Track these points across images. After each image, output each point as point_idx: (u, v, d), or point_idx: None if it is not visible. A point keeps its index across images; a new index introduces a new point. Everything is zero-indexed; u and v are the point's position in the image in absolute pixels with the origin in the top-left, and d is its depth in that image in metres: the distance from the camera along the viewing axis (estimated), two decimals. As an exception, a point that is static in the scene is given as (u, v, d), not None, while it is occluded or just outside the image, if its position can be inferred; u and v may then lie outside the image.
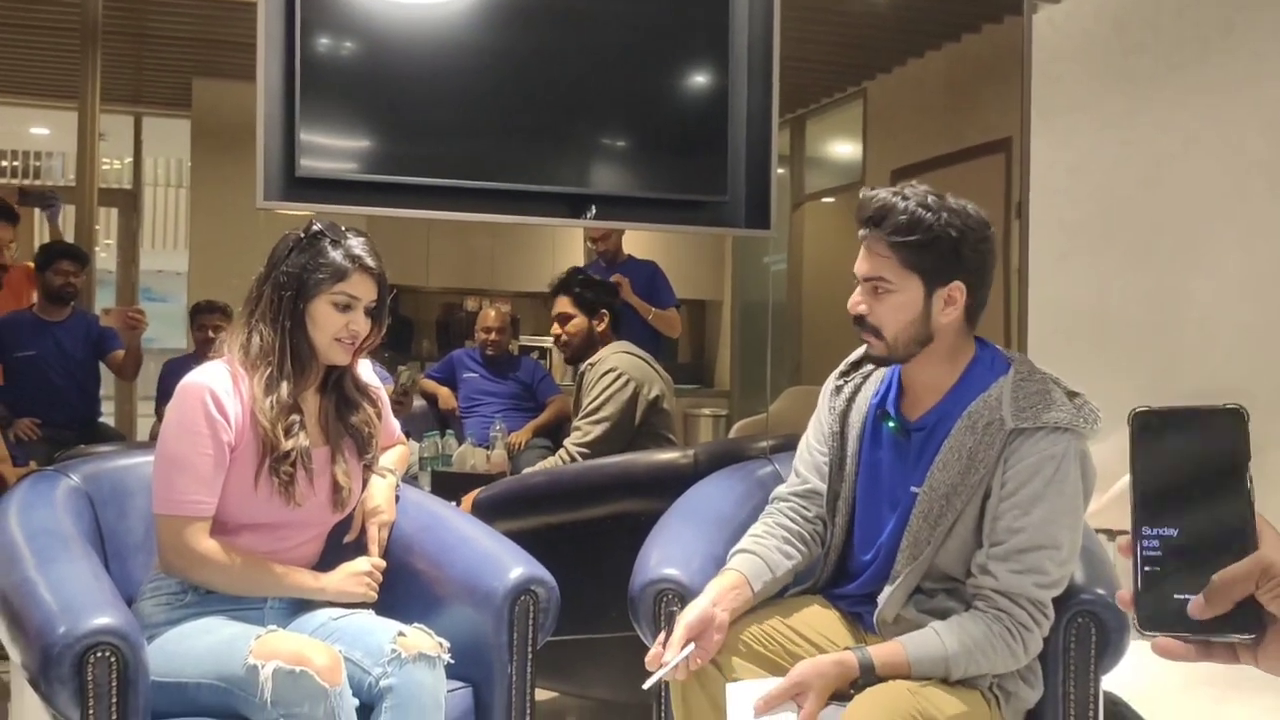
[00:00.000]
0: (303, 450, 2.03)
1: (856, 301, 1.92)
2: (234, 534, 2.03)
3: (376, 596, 2.13)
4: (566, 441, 3.34)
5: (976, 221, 1.87)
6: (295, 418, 2.03)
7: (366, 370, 2.22)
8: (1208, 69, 4.83)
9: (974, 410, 1.87)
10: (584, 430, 3.30)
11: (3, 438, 2.84)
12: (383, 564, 2.16)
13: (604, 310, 3.54)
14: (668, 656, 1.78)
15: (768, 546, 2.00)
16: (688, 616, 1.83)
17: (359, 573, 2.11)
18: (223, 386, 2.00)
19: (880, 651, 1.80)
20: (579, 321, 3.54)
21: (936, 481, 1.87)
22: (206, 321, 4.11)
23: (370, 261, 2.06)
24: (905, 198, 1.86)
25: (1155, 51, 5.07)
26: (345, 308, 2.05)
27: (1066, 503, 1.83)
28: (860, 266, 1.91)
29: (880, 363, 1.98)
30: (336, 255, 2.04)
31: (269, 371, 2.02)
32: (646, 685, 1.80)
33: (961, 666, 1.79)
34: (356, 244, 2.06)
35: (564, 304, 3.57)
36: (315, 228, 2.07)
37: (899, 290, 1.87)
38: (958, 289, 1.87)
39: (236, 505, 2.02)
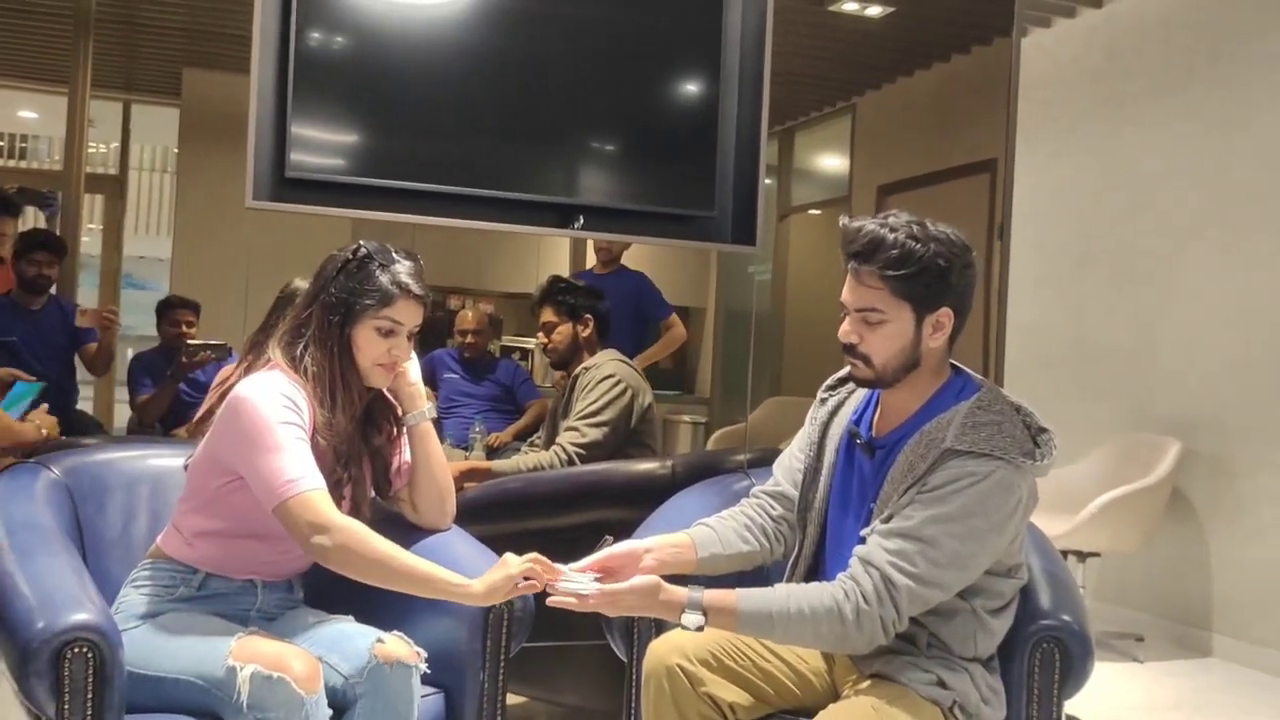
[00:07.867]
0: (357, 479, 2.06)
1: (848, 331, 1.94)
2: (234, 539, 2.03)
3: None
4: (563, 440, 3.33)
5: (960, 247, 1.91)
6: (345, 448, 2.03)
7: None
8: (1193, 97, 4.89)
9: (926, 430, 1.91)
10: (583, 432, 3.31)
11: None
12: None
13: (587, 315, 3.57)
14: (574, 578, 1.84)
15: (726, 526, 2.11)
16: (613, 549, 1.91)
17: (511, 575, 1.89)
18: (288, 390, 1.98)
19: (713, 596, 1.83)
20: (564, 329, 3.56)
21: (885, 496, 1.91)
22: (180, 317, 4.07)
23: (416, 289, 2.05)
24: (893, 229, 1.88)
25: (1141, 78, 5.12)
26: (388, 333, 2.05)
27: (964, 514, 1.83)
28: (850, 298, 1.93)
29: (866, 386, 2.03)
30: (384, 280, 2.03)
31: (323, 398, 2.02)
32: (550, 601, 1.84)
33: (782, 628, 1.82)
34: (403, 269, 2.05)
35: (548, 313, 3.61)
36: (363, 251, 2.04)
37: (891, 320, 1.90)
38: (946, 315, 1.92)
39: (265, 514, 1.94)
